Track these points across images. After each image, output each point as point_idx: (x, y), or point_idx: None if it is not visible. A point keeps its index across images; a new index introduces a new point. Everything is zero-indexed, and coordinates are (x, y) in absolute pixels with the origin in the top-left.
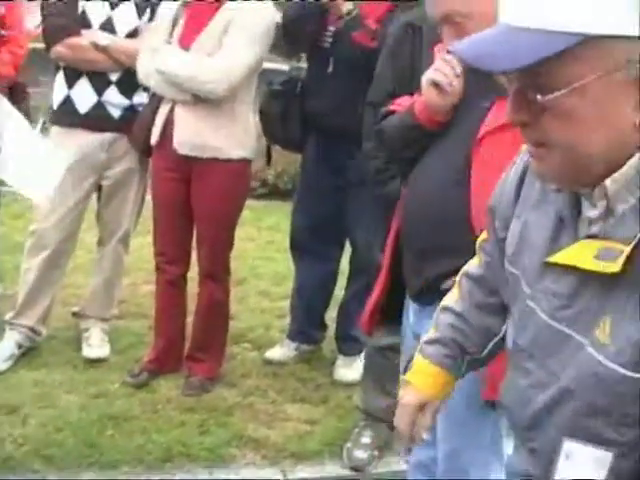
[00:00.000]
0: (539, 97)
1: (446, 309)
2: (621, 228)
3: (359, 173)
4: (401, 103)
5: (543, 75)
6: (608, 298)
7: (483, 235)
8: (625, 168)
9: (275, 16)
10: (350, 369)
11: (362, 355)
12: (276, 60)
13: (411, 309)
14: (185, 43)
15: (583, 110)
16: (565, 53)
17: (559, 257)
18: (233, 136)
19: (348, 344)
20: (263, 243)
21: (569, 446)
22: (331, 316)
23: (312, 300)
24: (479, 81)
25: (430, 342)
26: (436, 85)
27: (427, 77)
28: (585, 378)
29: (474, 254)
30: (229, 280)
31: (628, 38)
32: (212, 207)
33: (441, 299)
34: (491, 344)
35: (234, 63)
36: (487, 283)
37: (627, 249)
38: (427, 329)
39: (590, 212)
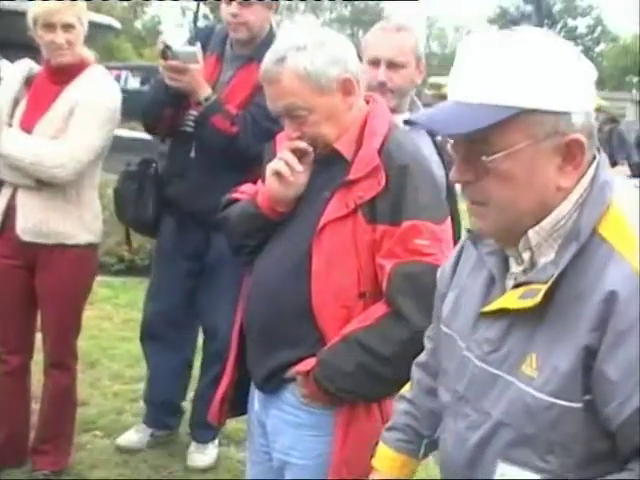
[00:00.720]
0: (484, 158)
1: (401, 397)
2: (542, 274)
3: (215, 259)
4: (244, 191)
5: (485, 141)
6: (535, 335)
7: (431, 325)
8: (545, 222)
9: (119, 98)
10: (204, 454)
11: (216, 441)
12: (141, 129)
13: (256, 397)
14: (27, 125)
15: (517, 172)
16: (504, 123)
17: (489, 306)
18: (79, 221)
19: (202, 431)
20: (119, 322)
21: (502, 468)
22: (190, 396)
23: (167, 390)
24: (321, 172)
25: (388, 429)
26: (279, 175)
27: (270, 167)
28: (516, 410)
29: (315, 344)
30: (76, 366)
31: (555, 113)
32: (59, 294)
33: (285, 388)
34: None
35: (81, 147)
36: (432, 368)
37: (545, 286)
38: (272, 417)
39: (516, 268)
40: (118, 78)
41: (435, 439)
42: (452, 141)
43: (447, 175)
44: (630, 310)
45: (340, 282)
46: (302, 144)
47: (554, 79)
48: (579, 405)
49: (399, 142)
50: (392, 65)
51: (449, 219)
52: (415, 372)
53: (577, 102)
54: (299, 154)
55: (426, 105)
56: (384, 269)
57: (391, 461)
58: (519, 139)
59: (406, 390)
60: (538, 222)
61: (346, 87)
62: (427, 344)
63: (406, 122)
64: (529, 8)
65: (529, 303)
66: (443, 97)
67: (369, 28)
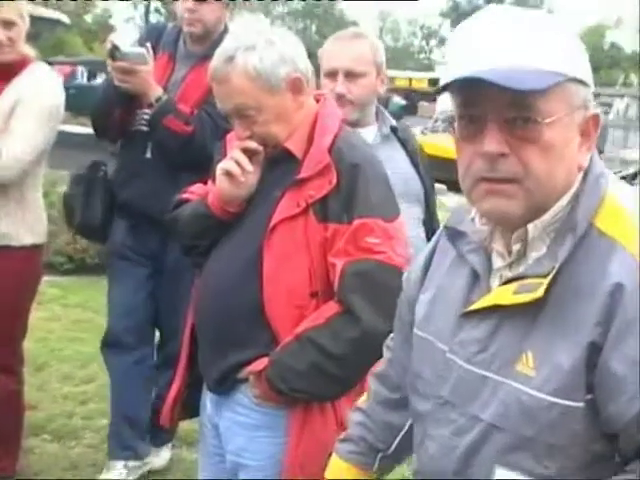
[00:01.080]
0: (539, 119)
1: (356, 408)
2: (536, 268)
3: (173, 261)
4: (194, 191)
5: (531, 107)
6: (530, 332)
7: (391, 334)
8: (546, 216)
9: (62, 95)
10: (157, 456)
11: (170, 443)
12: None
13: (208, 399)
14: None
15: (556, 142)
16: (553, 89)
17: (478, 304)
18: (23, 222)
19: (155, 434)
20: (68, 322)
21: (500, 473)
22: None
23: (135, 405)
24: (272, 171)
25: (342, 440)
26: (229, 175)
27: (220, 167)
28: (510, 412)
29: (268, 344)
30: (23, 369)
31: (585, 85)
32: (3, 296)
33: (237, 389)
34: (397, 440)
35: (24, 148)
36: (390, 380)
37: (546, 280)
38: (225, 419)
39: (500, 262)
40: (74, 74)
41: (390, 453)
42: (458, 119)
43: (425, 188)
44: (636, 302)
45: (292, 282)
46: (252, 144)
47: (581, 52)
48: (580, 405)
49: (350, 140)
50: (350, 75)
51: (401, 217)
52: (372, 383)
53: (590, 79)
54: (249, 154)
55: (378, 98)
56: (336, 268)
57: (344, 473)
58: (562, 107)
59: (362, 401)
60: (547, 210)
61: (296, 86)
62: (386, 354)
63: (440, 89)
64: (481, 1)
65: (527, 298)
66: (395, 90)
67: (322, 21)
